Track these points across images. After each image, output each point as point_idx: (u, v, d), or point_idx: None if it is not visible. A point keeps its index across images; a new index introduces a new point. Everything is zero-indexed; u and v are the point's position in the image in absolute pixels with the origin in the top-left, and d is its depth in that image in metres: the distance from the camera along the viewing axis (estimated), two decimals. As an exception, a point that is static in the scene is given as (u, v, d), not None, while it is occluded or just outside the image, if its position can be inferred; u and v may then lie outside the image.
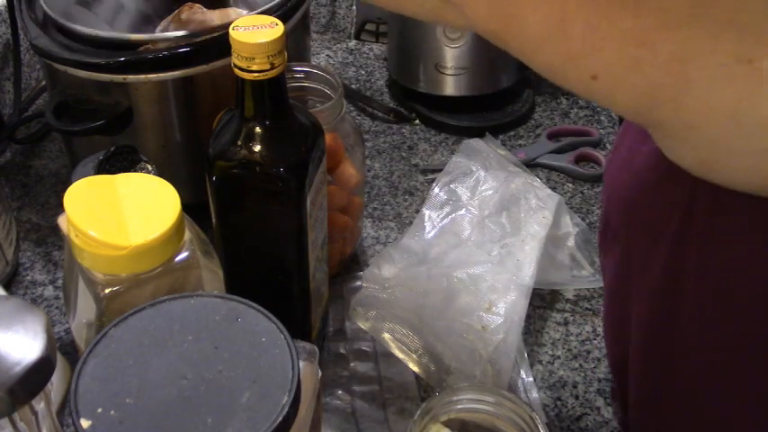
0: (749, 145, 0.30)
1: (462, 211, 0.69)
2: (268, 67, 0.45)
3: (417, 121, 0.86)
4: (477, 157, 0.74)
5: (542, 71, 0.33)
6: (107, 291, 0.41)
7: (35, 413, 0.33)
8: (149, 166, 0.54)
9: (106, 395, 0.31)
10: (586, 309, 0.66)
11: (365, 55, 0.97)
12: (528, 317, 0.62)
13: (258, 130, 0.48)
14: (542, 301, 0.67)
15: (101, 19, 0.70)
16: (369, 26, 1.00)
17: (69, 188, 0.42)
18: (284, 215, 0.50)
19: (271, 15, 0.60)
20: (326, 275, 0.59)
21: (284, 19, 0.64)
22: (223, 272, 0.48)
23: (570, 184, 0.79)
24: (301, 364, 0.34)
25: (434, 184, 0.71)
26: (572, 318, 0.65)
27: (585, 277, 0.67)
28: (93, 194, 0.42)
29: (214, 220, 0.52)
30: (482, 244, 0.66)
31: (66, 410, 0.31)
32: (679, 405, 0.45)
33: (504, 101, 0.87)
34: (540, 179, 0.77)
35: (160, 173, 0.46)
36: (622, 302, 0.51)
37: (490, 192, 0.70)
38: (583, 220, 0.72)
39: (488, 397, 0.48)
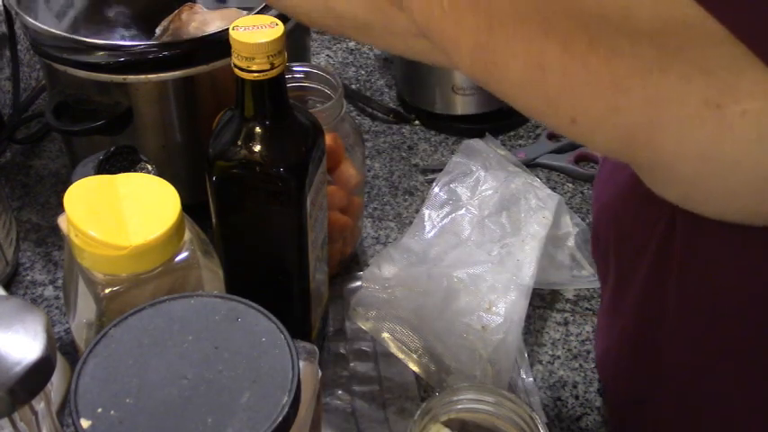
0: (722, 184, 0.31)
1: (462, 211, 0.69)
2: (268, 67, 0.45)
3: (417, 122, 0.86)
4: (477, 157, 0.74)
5: (525, 112, 0.35)
6: (107, 291, 0.41)
7: (35, 413, 0.33)
8: (149, 166, 0.54)
9: (106, 395, 0.31)
10: (586, 309, 0.66)
11: (365, 55, 0.97)
12: (528, 317, 0.62)
13: (258, 130, 0.48)
14: (542, 301, 0.67)
15: (52, 13, 0.69)
16: (369, 26, 0.99)
17: (69, 188, 0.42)
18: (284, 215, 0.50)
19: (271, 15, 0.60)
20: (326, 275, 0.59)
21: (284, 19, 0.63)
22: (223, 272, 0.48)
23: (570, 184, 0.79)
24: (301, 364, 0.34)
25: (434, 184, 0.71)
26: (572, 318, 0.65)
27: (585, 277, 0.67)
28: (93, 194, 0.42)
29: (214, 220, 0.52)
30: (482, 244, 0.66)
31: (66, 410, 0.31)
32: (665, 412, 0.46)
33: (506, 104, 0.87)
34: (540, 179, 0.77)
35: (160, 173, 0.46)
36: (609, 313, 0.51)
37: (490, 192, 0.70)
38: (583, 220, 0.72)
39: (488, 397, 0.48)
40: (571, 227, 0.70)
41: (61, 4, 0.69)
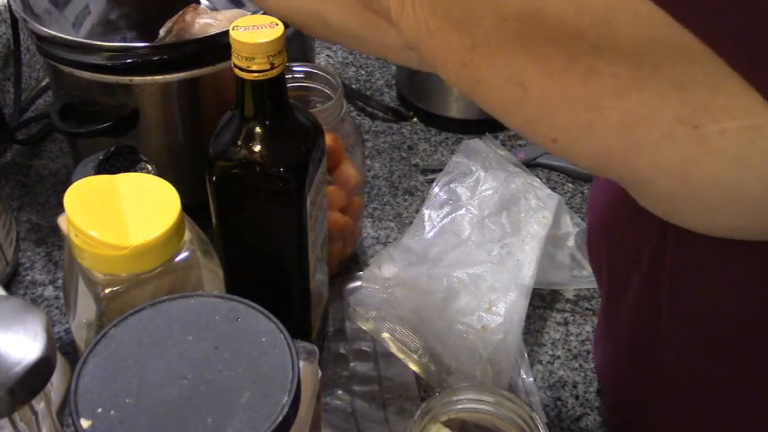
0: (703, 202, 0.31)
1: (462, 211, 0.69)
2: (268, 67, 0.45)
3: (415, 119, 0.87)
4: (477, 157, 0.74)
5: (510, 128, 0.35)
6: (107, 291, 0.41)
7: (35, 413, 0.33)
8: (149, 166, 0.54)
9: (106, 395, 0.31)
10: (586, 309, 0.66)
11: (365, 55, 0.97)
12: (528, 317, 0.62)
13: (258, 130, 0.48)
14: (542, 301, 0.67)
15: (68, 21, 0.69)
16: (369, 26, 0.99)
17: (69, 188, 0.42)
18: (284, 215, 0.50)
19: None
20: (326, 275, 0.59)
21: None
22: (223, 272, 0.48)
23: (570, 184, 0.79)
24: (301, 364, 0.34)
25: (434, 184, 0.71)
26: (572, 318, 0.65)
27: (585, 277, 0.67)
28: (93, 194, 0.42)
29: (214, 220, 0.52)
30: (482, 244, 0.66)
31: (67, 410, 0.31)
32: (664, 414, 0.46)
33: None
34: (540, 179, 0.77)
35: (164, 174, 0.45)
36: (606, 322, 0.52)
37: (490, 192, 0.70)
38: (583, 220, 0.72)
39: (488, 397, 0.48)
40: (571, 227, 0.70)
41: (77, 14, 0.69)
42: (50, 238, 0.71)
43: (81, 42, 0.61)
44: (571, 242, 0.69)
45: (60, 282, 0.67)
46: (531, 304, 0.61)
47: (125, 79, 0.61)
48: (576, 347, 0.63)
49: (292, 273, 0.53)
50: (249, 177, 0.48)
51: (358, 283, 0.65)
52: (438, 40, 0.34)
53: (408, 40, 0.36)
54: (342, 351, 0.62)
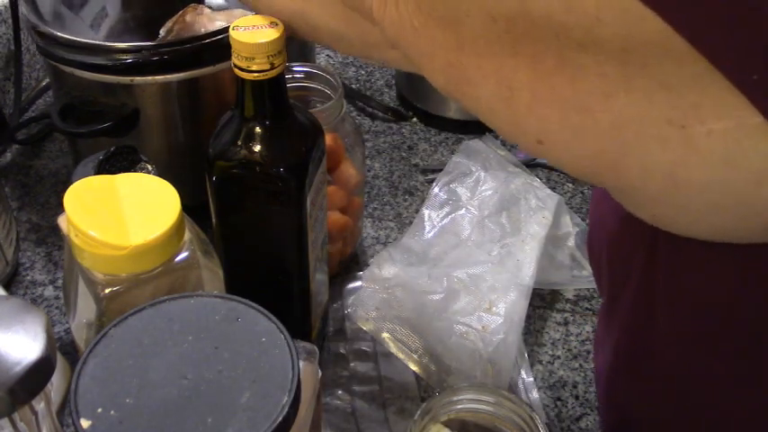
0: (690, 205, 0.31)
1: (462, 211, 0.69)
2: (268, 67, 0.45)
3: (415, 119, 0.87)
4: (477, 158, 0.74)
5: (496, 130, 0.35)
6: (107, 291, 0.41)
7: (35, 413, 0.33)
8: (149, 166, 0.54)
9: (106, 395, 0.31)
10: (586, 309, 0.66)
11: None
12: (528, 317, 0.62)
13: (258, 130, 0.48)
14: (542, 301, 0.67)
15: (85, 24, 0.69)
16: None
17: (69, 188, 0.42)
18: (284, 215, 0.50)
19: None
20: (326, 275, 0.59)
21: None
22: (223, 272, 0.48)
23: (570, 184, 0.79)
24: (301, 364, 0.34)
25: (434, 184, 0.71)
26: (572, 318, 0.65)
27: (585, 277, 0.67)
28: (93, 194, 0.42)
29: (214, 220, 0.52)
30: (482, 244, 0.66)
31: (67, 410, 0.31)
32: (662, 418, 0.46)
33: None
34: (540, 179, 0.77)
35: (165, 174, 0.45)
36: (604, 325, 0.52)
37: (490, 192, 0.70)
38: (583, 220, 0.72)
39: (488, 397, 0.48)
40: (571, 227, 0.70)
41: (94, 16, 0.69)
42: (50, 238, 0.71)
43: (81, 42, 0.61)
44: (571, 242, 0.69)
45: (60, 282, 0.67)
46: (531, 304, 0.61)
47: (125, 79, 0.61)
48: (575, 347, 0.63)
49: (292, 273, 0.53)
50: (249, 177, 0.48)
51: (358, 283, 0.65)
52: (422, 39, 0.34)
53: (391, 38, 0.36)
54: (342, 351, 0.62)
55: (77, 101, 0.63)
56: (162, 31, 0.67)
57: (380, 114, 0.87)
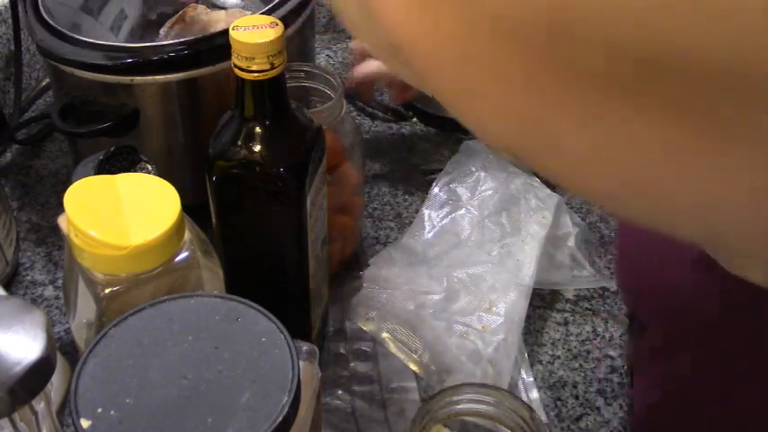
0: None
1: (462, 211, 0.69)
2: (268, 67, 0.45)
3: (415, 119, 0.87)
4: (477, 157, 0.74)
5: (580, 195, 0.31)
6: (107, 291, 0.41)
7: (35, 413, 0.33)
8: (149, 166, 0.54)
9: (106, 395, 0.31)
10: (586, 309, 0.66)
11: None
12: (528, 317, 0.62)
13: (258, 130, 0.48)
14: (542, 301, 0.67)
15: (105, 27, 0.70)
16: (369, 26, 0.99)
17: (69, 188, 0.42)
18: (284, 215, 0.50)
19: (279, 16, 0.60)
20: (326, 275, 0.59)
21: (292, 20, 0.64)
22: (223, 272, 0.48)
23: (570, 184, 0.79)
24: (301, 364, 0.34)
25: (434, 184, 0.71)
26: (572, 318, 0.65)
27: (585, 277, 0.67)
28: (93, 194, 0.42)
29: (214, 220, 0.52)
30: (482, 244, 0.66)
31: (67, 410, 0.31)
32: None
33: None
34: (540, 179, 0.76)
35: (165, 174, 0.45)
36: (660, 359, 0.49)
37: (490, 192, 0.70)
38: (583, 219, 0.72)
39: (488, 397, 0.48)
40: (571, 227, 0.70)
41: (114, 18, 0.69)
42: (50, 238, 0.71)
43: (81, 42, 0.61)
44: (571, 242, 0.69)
45: (60, 282, 0.67)
46: (531, 304, 0.61)
47: (126, 79, 0.61)
48: (576, 347, 0.63)
49: (292, 273, 0.53)
50: (249, 177, 0.48)
51: (358, 283, 0.65)
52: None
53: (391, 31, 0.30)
54: (342, 351, 0.62)
55: (77, 101, 0.63)
56: (162, 31, 0.67)
57: (380, 114, 0.87)
